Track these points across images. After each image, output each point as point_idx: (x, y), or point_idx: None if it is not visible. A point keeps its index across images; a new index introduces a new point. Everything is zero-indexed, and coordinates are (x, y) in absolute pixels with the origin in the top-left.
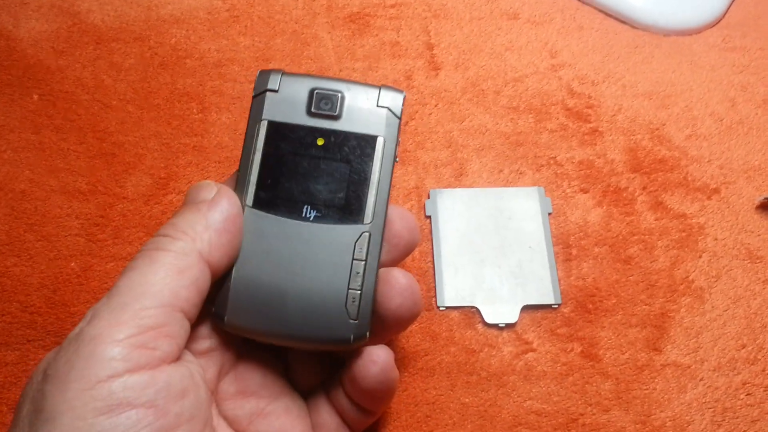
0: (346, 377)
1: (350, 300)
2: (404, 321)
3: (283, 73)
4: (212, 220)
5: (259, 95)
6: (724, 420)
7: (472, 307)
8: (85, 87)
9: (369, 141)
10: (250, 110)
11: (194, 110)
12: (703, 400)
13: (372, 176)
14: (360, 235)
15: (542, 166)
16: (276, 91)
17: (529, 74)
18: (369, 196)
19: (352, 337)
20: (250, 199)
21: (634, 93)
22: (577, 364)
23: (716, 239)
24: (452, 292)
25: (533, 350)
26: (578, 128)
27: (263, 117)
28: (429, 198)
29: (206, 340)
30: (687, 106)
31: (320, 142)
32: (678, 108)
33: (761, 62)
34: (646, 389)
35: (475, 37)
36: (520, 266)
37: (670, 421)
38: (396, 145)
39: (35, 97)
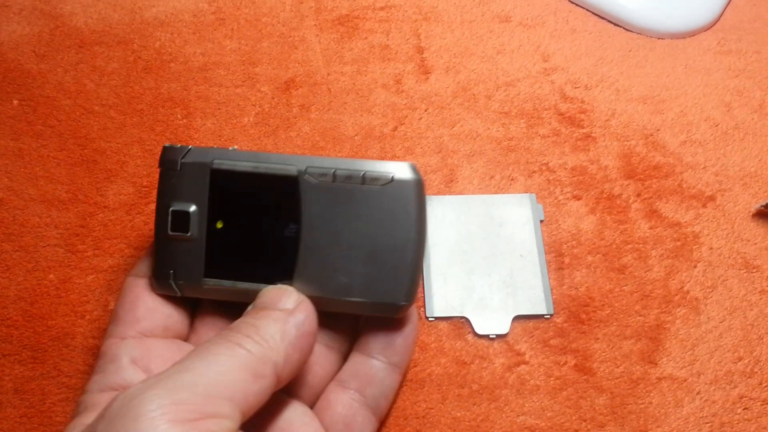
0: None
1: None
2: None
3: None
4: (289, 333)
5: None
6: None
7: (462, 317)
8: (66, 92)
9: (213, 173)
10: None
11: (179, 116)
12: (700, 415)
13: (249, 167)
14: (318, 175)
15: (534, 172)
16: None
17: (521, 78)
18: (268, 167)
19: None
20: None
21: (628, 97)
22: (571, 378)
23: (712, 248)
24: (441, 302)
25: (526, 362)
26: (571, 133)
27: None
28: None
29: None
30: (682, 111)
31: (219, 225)
32: (672, 113)
33: (757, 66)
34: (642, 404)
35: (466, 40)
36: (511, 275)
37: None
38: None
39: (15, 102)
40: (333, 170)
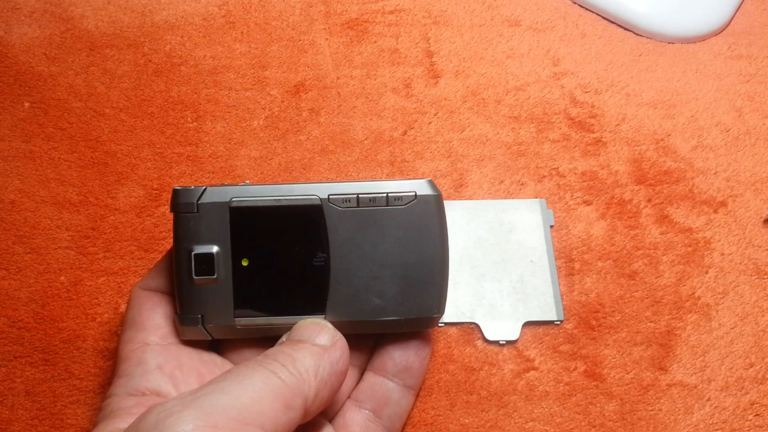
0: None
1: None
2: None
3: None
4: (323, 370)
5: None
6: None
7: (472, 323)
8: (77, 94)
9: (233, 212)
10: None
11: (189, 119)
12: (711, 422)
13: (270, 202)
14: (342, 202)
15: (544, 177)
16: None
17: (531, 82)
18: (289, 199)
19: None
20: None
21: (639, 102)
22: (581, 384)
23: (723, 254)
24: (451, 307)
25: (535, 369)
26: (581, 138)
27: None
28: None
29: None
30: (692, 115)
31: (245, 262)
32: (683, 118)
33: None
34: (652, 410)
35: (475, 44)
36: (521, 281)
37: None
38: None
39: (26, 104)
40: (356, 195)
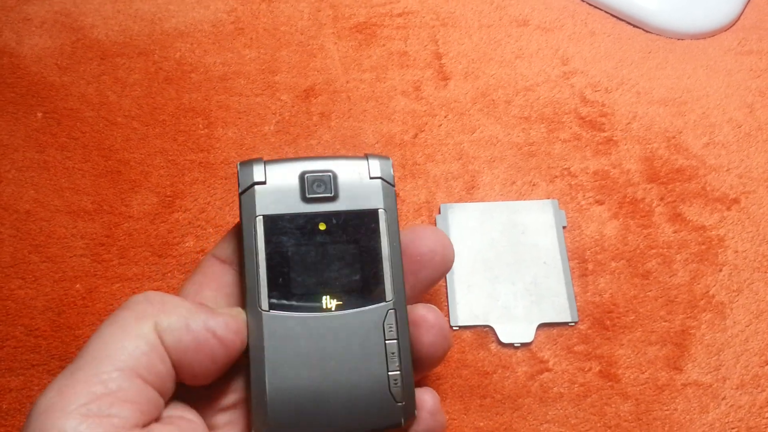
0: None
1: (392, 383)
2: (436, 359)
3: (266, 162)
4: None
5: (247, 190)
6: None
7: (486, 326)
8: (89, 104)
9: (371, 216)
10: (240, 207)
11: (200, 125)
12: (726, 420)
13: (383, 251)
14: (386, 314)
15: (556, 177)
16: (264, 183)
17: (541, 82)
18: (385, 271)
19: (402, 420)
20: (264, 302)
21: (649, 100)
22: (595, 385)
23: (737, 252)
24: (466, 310)
25: (549, 370)
26: (592, 137)
27: (258, 213)
28: (440, 213)
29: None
30: (704, 112)
31: (322, 226)
32: (694, 115)
33: None
34: (667, 410)
35: (484, 45)
36: (535, 283)
37: None
38: (396, 214)
39: (39, 115)
40: None
